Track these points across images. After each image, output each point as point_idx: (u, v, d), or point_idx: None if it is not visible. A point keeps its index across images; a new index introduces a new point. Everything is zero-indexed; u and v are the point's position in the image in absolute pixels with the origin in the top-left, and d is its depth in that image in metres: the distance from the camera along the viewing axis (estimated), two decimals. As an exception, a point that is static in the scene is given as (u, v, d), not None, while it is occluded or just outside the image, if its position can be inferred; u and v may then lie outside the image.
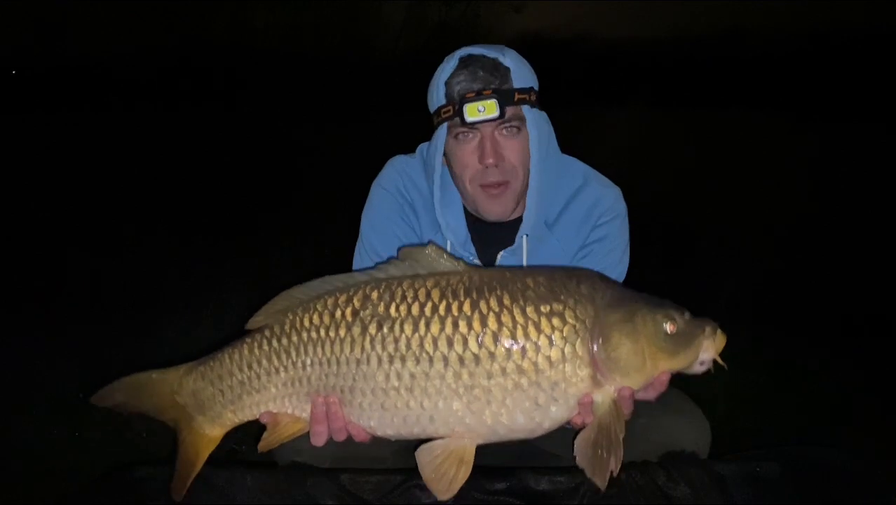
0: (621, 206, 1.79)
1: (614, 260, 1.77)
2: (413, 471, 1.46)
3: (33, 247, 5.78)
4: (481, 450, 1.87)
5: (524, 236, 1.72)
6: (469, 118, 1.54)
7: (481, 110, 1.54)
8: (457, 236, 1.74)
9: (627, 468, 1.45)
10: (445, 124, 1.61)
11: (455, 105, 1.56)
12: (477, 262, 1.76)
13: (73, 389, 3.24)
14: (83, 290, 4.67)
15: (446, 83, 1.59)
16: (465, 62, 1.58)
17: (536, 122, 1.62)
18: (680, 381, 1.93)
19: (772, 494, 1.42)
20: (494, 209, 1.67)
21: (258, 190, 8.44)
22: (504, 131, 1.60)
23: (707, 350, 1.33)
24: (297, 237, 5.81)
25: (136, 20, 27.26)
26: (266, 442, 1.41)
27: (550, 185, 1.71)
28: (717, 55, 33.07)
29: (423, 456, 1.32)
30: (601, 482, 1.27)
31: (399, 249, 1.42)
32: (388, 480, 1.47)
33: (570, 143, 1.89)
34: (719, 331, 1.35)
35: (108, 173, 9.74)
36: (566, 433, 1.75)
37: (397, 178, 1.79)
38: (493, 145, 1.59)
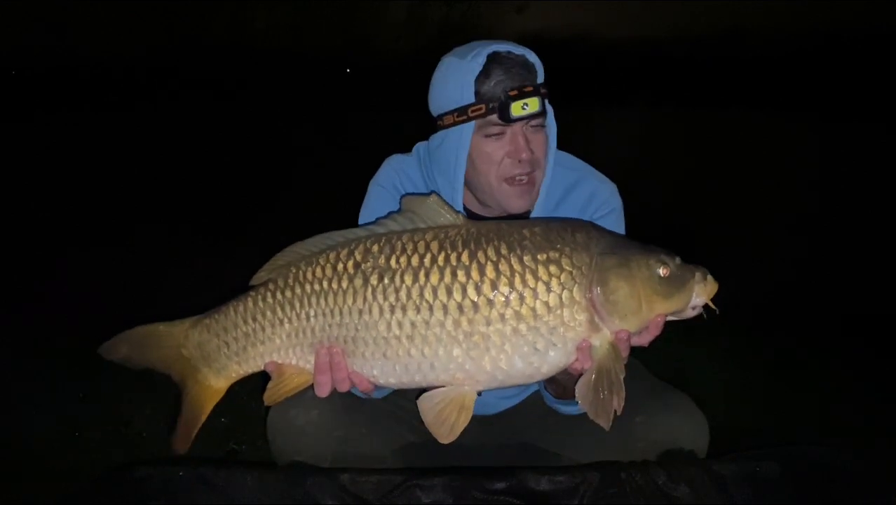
0: (617, 201, 1.81)
1: None
2: (413, 471, 1.46)
3: (33, 246, 5.79)
4: (481, 450, 1.88)
5: None
6: (515, 115, 1.57)
7: (525, 108, 1.57)
8: None
9: (627, 468, 1.46)
10: (472, 123, 1.62)
11: (489, 103, 1.58)
12: None
13: (73, 389, 3.24)
14: (83, 288, 4.67)
15: (477, 81, 1.59)
16: (497, 60, 1.59)
17: (552, 118, 1.68)
18: (679, 380, 1.94)
19: (772, 494, 1.42)
20: (520, 203, 1.69)
21: (258, 189, 8.45)
22: (532, 127, 1.63)
23: (699, 294, 1.37)
24: (297, 237, 5.80)
25: (136, 20, 27.28)
26: (271, 393, 1.44)
27: (550, 179, 1.73)
28: (717, 55, 33.13)
29: (424, 403, 1.35)
30: (605, 423, 1.30)
31: (402, 197, 1.45)
32: (389, 480, 1.47)
33: (570, 143, 1.89)
34: (710, 276, 1.38)
35: (108, 173, 9.75)
36: (566, 432, 1.75)
37: (394, 175, 1.80)
38: (525, 141, 1.62)
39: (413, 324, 1.32)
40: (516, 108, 1.57)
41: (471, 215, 1.77)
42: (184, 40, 26.24)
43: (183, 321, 1.52)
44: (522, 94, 1.57)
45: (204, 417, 1.46)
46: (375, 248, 1.37)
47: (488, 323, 1.30)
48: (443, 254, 1.33)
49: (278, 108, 18.71)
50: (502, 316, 1.30)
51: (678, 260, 1.38)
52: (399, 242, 1.36)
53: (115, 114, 18.39)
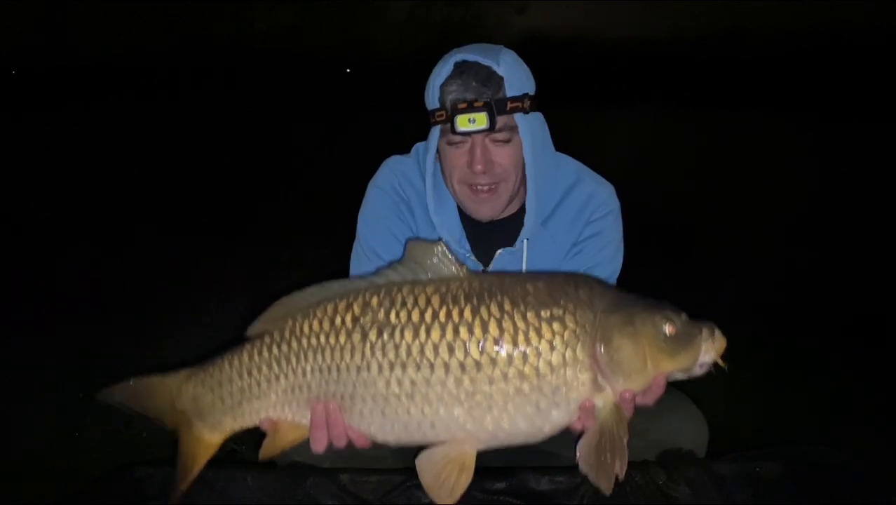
0: (614, 203, 1.80)
1: (608, 255, 1.77)
2: (413, 470, 1.45)
3: (33, 246, 5.79)
4: (481, 451, 1.88)
5: (525, 240, 1.73)
6: (459, 129, 1.56)
7: (472, 122, 1.55)
8: (451, 234, 1.75)
9: (627, 468, 1.45)
10: (438, 127, 1.63)
11: (447, 112, 1.57)
12: (473, 259, 1.76)
13: (73, 389, 3.24)
14: (83, 288, 4.67)
15: (441, 88, 1.59)
16: (459, 68, 1.58)
17: (530, 128, 1.62)
18: (677, 382, 1.93)
19: (772, 494, 1.42)
20: (482, 210, 1.68)
21: (258, 188, 8.45)
22: (494, 141, 1.61)
23: (707, 352, 1.33)
24: (298, 236, 5.82)
25: (137, 20, 27.27)
26: (266, 449, 1.41)
27: (545, 183, 1.71)
28: (718, 55, 33.08)
29: (423, 462, 1.31)
30: (606, 487, 1.26)
31: (407, 241, 1.42)
32: (389, 480, 1.47)
33: (572, 142, 1.89)
34: (718, 332, 1.35)
35: (108, 173, 9.75)
36: (566, 432, 1.75)
37: (392, 177, 1.79)
38: (482, 153, 1.60)
39: (413, 382, 1.28)
40: (462, 122, 1.55)
41: (465, 217, 1.77)
42: (184, 40, 26.23)
43: (178, 373, 1.46)
44: (471, 109, 1.55)
45: (198, 470, 1.43)
46: (375, 301, 1.33)
47: (491, 382, 1.27)
48: (444, 309, 1.29)
49: (278, 107, 18.70)
50: (505, 375, 1.27)
51: (685, 316, 1.35)
52: (399, 296, 1.32)
53: (115, 114, 18.38)
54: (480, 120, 1.54)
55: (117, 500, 1.50)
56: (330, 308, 1.35)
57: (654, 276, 4.50)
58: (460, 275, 1.35)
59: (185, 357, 3.80)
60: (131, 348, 3.74)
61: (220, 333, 3.93)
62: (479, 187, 1.64)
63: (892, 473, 1.63)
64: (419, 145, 1.80)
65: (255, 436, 1.80)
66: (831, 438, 2.73)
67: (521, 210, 1.75)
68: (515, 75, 1.60)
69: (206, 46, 25.95)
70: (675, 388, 1.79)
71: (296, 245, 5.59)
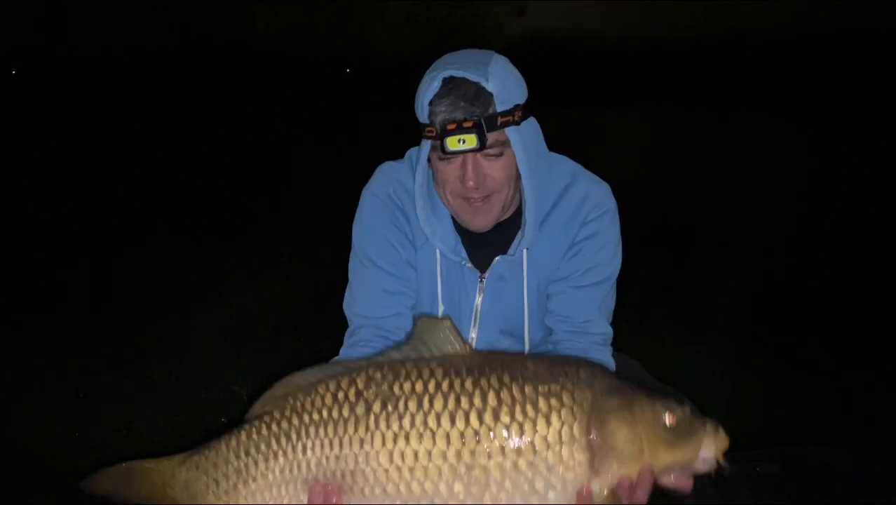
0: (611, 203, 1.76)
1: (607, 256, 1.74)
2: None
3: (33, 246, 5.79)
4: None
5: (525, 250, 1.71)
6: (450, 149, 1.53)
7: (461, 142, 1.52)
8: (445, 243, 1.72)
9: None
10: (429, 142, 1.60)
11: (436, 131, 1.54)
12: (470, 266, 1.75)
13: (73, 389, 3.25)
14: (83, 288, 4.67)
15: (429, 105, 1.56)
16: (447, 85, 1.54)
17: (523, 138, 1.59)
18: (679, 380, 1.93)
19: (772, 494, 1.42)
20: (476, 222, 1.66)
21: (259, 189, 8.45)
22: (487, 156, 1.58)
23: (708, 448, 1.29)
24: (298, 237, 5.82)
25: (137, 20, 27.28)
26: None
27: (541, 188, 1.69)
28: (720, 55, 33.04)
29: None
30: None
31: (414, 318, 1.43)
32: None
33: (572, 142, 1.88)
34: (721, 430, 1.31)
35: (108, 173, 9.75)
36: None
37: (387, 183, 1.76)
38: (474, 168, 1.57)
39: (416, 454, 1.27)
40: (452, 143, 1.52)
41: (459, 225, 1.74)
42: (184, 40, 26.23)
43: (171, 458, 1.40)
44: (460, 129, 1.51)
45: None
46: (378, 375, 1.31)
47: (489, 456, 1.26)
48: (447, 380, 1.29)
49: (279, 108, 18.71)
50: (502, 449, 1.26)
51: (689, 409, 1.31)
52: (403, 370, 1.31)
53: (115, 114, 18.37)
54: (470, 140, 1.52)
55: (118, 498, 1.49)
56: (332, 384, 1.33)
57: (654, 276, 4.52)
58: (465, 352, 1.35)
59: (184, 357, 3.81)
60: (131, 348, 3.74)
61: (219, 333, 3.94)
62: (472, 199, 1.62)
63: (892, 473, 1.63)
64: (413, 151, 1.78)
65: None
66: (831, 438, 2.73)
67: (517, 213, 1.73)
68: (506, 88, 1.56)
69: (207, 46, 25.95)
70: (676, 391, 1.79)
71: (296, 245, 5.59)
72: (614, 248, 1.76)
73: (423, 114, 1.58)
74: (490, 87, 1.53)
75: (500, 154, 1.58)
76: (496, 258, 1.73)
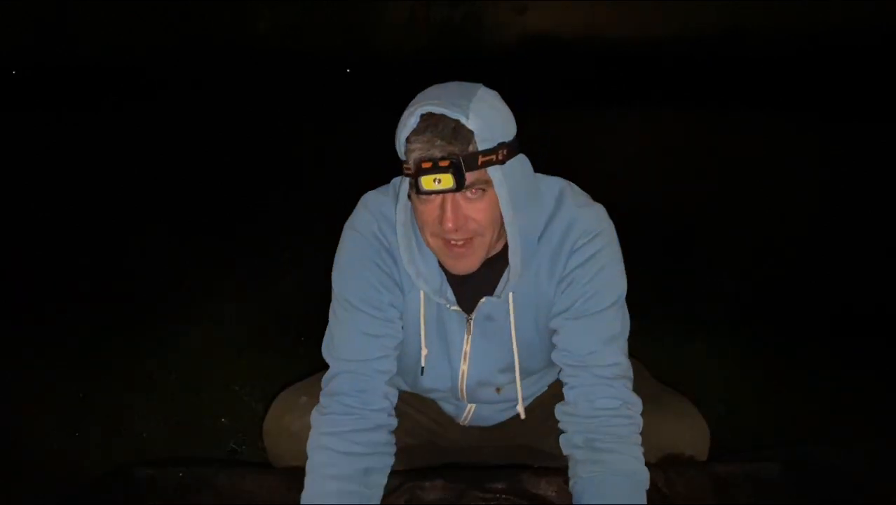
0: (600, 224, 1.61)
1: (604, 281, 1.59)
2: (412, 472, 1.45)
3: (32, 246, 5.79)
4: (481, 452, 1.87)
5: (510, 293, 1.62)
6: (424, 188, 1.42)
7: (437, 182, 1.41)
8: (430, 284, 1.62)
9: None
10: (407, 179, 1.49)
11: (412, 169, 1.44)
12: (457, 309, 1.66)
13: (73, 389, 3.25)
14: (82, 288, 4.67)
15: (406, 141, 1.46)
16: (425, 121, 1.44)
17: (507, 179, 1.47)
18: (679, 380, 1.93)
19: (771, 495, 1.41)
20: (458, 266, 1.54)
21: (259, 190, 8.45)
22: (468, 195, 1.47)
23: None
24: (299, 237, 5.81)
25: (137, 20, 27.30)
26: None
27: (527, 228, 1.58)
28: (721, 55, 33.05)
29: None
30: None
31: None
32: (388, 481, 1.47)
33: (572, 143, 1.87)
34: None
35: (108, 172, 9.76)
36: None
37: (372, 220, 1.64)
38: (453, 209, 1.46)
39: None
40: (427, 182, 1.41)
41: (443, 266, 1.63)
42: (185, 40, 26.24)
43: None
44: (436, 169, 1.40)
45: None
46: None
47: None
48: None
49: (279, 108, 18.73)
50: None
51: None
52: None
53: (115, 114, 18.39)
54: (446, 181, 1.40)
55: (117, 500, 1.50)
56: None
57: (655, 276, 4.52)
58: None
59: (183, 357, 3.81)
60: (131, 348, 3.74)
61: (220, 333, 3.94)
62: (452, 242, 1.50)
63: (892, 473, 1.63)
64: (397, 179, 1.67)
65: (255, 436, 1.81)
66: (831, 438, 2.73)
67: (504, 250, 1.61)
68: (488, 125, 1.44)
69: (207, 46, 25.96)
70: (676, 391, 1.79)
71: (296, 245, 5.58)
72: (612, 272, 1.60)
73: (401, 150, 1.48)
74: (471, 124, 1.41)
75: (484, 192, 1.47)
76: (482, 299, 1.63)
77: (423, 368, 1.67)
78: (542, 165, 1.68)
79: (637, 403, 1.53)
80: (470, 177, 1.42)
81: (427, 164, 1.40)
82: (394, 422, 1.59)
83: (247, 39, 27.07)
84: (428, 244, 1.55)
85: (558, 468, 1.49)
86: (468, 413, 1.80)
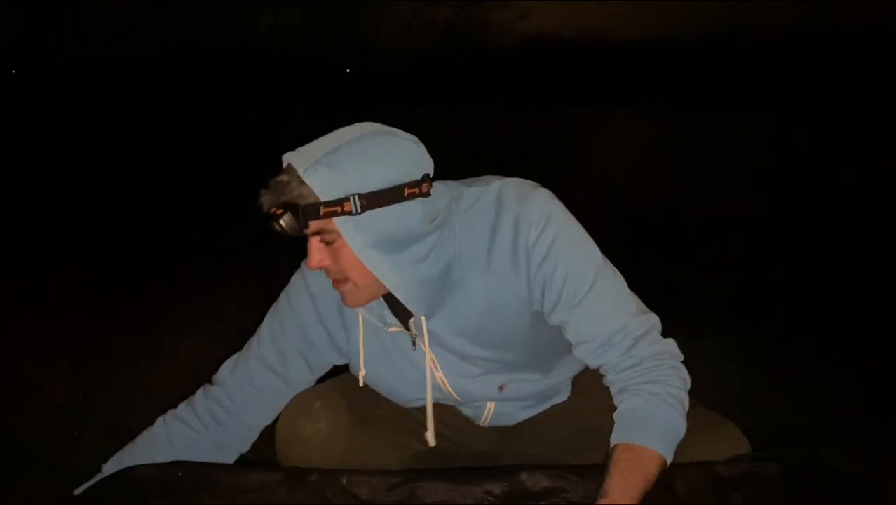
0: (546, 208, 1.54)
1: (577, 257, 1.55)
2: (412, 471, 1.45)
3: (31, 245, 5.79)
4: (497, 458, 1.85)
5: (422, 317, 1.60)
6: (277, 228, 1.50)
7: (281, 226, 1.48)
8: (370, 312, 1.65)
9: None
10: None
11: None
12: (396, 329, 1.67)
13: (73, 389, 3.25)
14: (83, 287, 4.67)
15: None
16: (275, 175, 1.51)
17: (359, 229, 1.44)
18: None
19: (771, 495, 1.41)
20: (346, 302, 1.58)
21: (257, 190, 8.43)
22: (325, 243, 1.51)
23: None
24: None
25: (138, 20, 27.30)
26: None
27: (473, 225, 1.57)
28: (724, 55, 33.05)
29: None
30: None
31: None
32: (387, 480, 1.47)
33: (573, 143, 1.87)
34: None
35: (108, 172, 9.76)
36: (586, 447, 1.70)
37: (298, 276, 1.81)
38: (313, 252, 1.51)
39: None
40: (275, 224, 1.49)
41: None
42: (185, 41, 26.23)
43: None
44: (274, 215, 1.48)
45: None
46: None
47: None
48: None
49: (283, 106, 18.73)
50: None
51: None
52: None
53: (116, 111, 18.39)
54: (284, 224, 1.47)
55: (117, 499, 1.50)
56: None
57: (655, 275, 4.52)
58: None
59: (183, 356, 3.81)
60: (131, 348, 3.74)
61: (219, 332, 3.94)
62: (335, 280, 1.56)
63: (892, 473, 1.63)
64: None
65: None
66: (831, 439, 2.73)
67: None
68: (334, 178, 1.43)
69: (208, 45, 25.96)
70: (724, 417, 1.72)
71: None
72: (578, 249, 1.56)
73: None
74: (309, 178, 1.43)
75: (333, 244, 1.49)
76: (410, 320, 1.64)
77: (364, 384, 1.73)
78: (544, 165, 1.68)
79: (666, 350, 1.59)
80: (313, 225, 1.46)
81: (272, 210, 1.48)
82: (244, 448, 1.80)
83: (250, 39, 27.04)
84: None
85: (556, 467, 1.49)
86: (487, 414, 1.78)
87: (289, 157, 1.49)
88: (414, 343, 1.66)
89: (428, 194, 1.48)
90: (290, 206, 1.44)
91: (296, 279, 1.81)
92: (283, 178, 1.47)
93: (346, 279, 1.52)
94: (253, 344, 1.80)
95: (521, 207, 1.54)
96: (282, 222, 1.46)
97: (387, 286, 1.50)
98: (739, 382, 3.34)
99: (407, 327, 1.67)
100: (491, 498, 1.44)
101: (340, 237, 1.46)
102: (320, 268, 1.52)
